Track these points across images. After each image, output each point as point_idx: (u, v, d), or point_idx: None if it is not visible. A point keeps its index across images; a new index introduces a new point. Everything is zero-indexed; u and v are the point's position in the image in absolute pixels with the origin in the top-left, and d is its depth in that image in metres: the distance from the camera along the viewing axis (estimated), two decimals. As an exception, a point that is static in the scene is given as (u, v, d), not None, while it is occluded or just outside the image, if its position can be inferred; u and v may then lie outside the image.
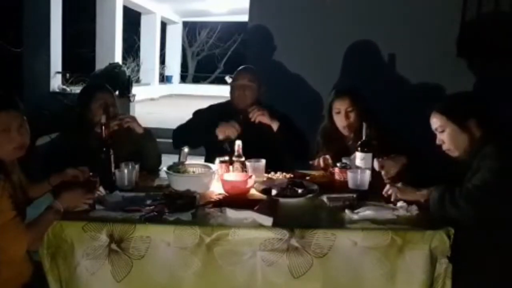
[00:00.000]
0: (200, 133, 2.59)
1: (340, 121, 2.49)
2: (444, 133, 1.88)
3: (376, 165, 2.12)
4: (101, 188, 1.95)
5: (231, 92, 2.74)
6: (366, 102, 2.52)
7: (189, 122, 2.79)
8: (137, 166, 2.15)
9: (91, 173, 1.97)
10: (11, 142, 1.67)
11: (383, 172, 2.11)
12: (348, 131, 2.49)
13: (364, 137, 2.23)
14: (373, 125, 2.29)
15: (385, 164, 2.11)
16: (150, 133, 2.49)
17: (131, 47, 14.51)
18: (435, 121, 1.91)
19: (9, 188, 1.61)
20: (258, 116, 2.55)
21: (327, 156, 2.42)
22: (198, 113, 2.84)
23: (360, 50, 3.77)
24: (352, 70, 3.75)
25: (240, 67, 2.85)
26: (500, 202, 1.69)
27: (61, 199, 1.74)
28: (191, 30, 19.28)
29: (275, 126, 2.57)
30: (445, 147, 1.90)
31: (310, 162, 2.51)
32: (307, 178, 2.32)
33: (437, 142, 1.92)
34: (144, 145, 2.43)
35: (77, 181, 1.93)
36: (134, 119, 2.44)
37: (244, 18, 4.38)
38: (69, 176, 1.95)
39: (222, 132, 2.47)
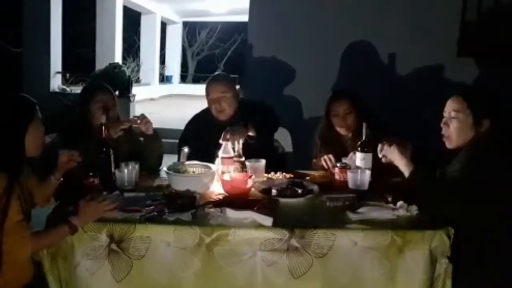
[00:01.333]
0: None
1: (338, 123, 2.50)
2: (455, 119, 1.82)
3: (378, 149, 2.09)
4: None
5: (208, 106, 2.61)
6: (363, 103, 2.51)
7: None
8: (137, 166, 2.15)
9: (91, 173, 1.97)
10: (41, 136, 1.69)
11: (381, 154, 2.07)
12: (346, 133, 2.50)
13: (364, 137, 2.23)
14: (371, 125, 2.29)
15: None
16: (157, 134, 2.48)
17: (131, 47, 14.52)
18: (453, 105, 1.83)
19: (18, 190, 1.58)
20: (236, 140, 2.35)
21: (330, 156, 2.41)
22: (189, 125, 2.74)
23: (360, 50, 3.78)
24: (352, 70, 3.75)
25: (209, 79, 2.69)
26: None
27: (80, 218, 1.66)
28: (191, 30, 19.29)
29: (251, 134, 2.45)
30: (446, 132, 1.85)
31: (314, 160, 2.49)
32: (307, 178, 2.32)
33: (441, 124, 1.87)
34: (149, 146, 2.43)
35: (76, 168, 1.92)
36: (143, 116, 2.41)
37: (244, 18, 4.38)
38: (65, 162, 1.92)
39: None
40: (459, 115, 1.81)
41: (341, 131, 2.50)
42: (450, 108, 1.85)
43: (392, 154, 1.94)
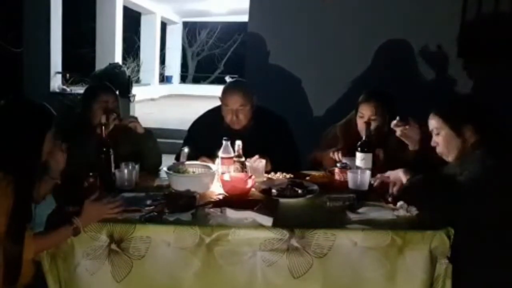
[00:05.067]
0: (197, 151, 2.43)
1: (360, 125, 2.43)
2: (439, 135, 1.87)
3: (398, 129, 2.10)
4: None
5: (223, 111, 2.54)
6: (396, 107, 2.42)
7: (185, 142, 2.61)
8: (137, 166, 2.15)
9: (91, 173, 1.97)
10: (49, 146, 1.68)
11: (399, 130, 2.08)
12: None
13: (364, 137, 2.23)
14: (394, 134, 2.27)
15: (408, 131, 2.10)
16: (150, 133, 2.49)
17: (131, 47, 14.49)
18: (432, 123, 1.90)
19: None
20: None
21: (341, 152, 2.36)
22: (195, 125, 2.72)
23: (361, 50, 3.77)
24: (352, 71, 3.75)
25: (228, 86, 2.58)
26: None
27: (83, 219, 1.66)
28: (191, 30, 19.26)
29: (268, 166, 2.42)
30: (438, 150, 1.89)
31: (331, 153, 2.43)
32: (307, 178, 2.32)
33: (432, 143, 1.91)
34: (144, 145, 2.43)
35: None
36: (136, 119, 2.45)
37: (244, 18, 4.37)
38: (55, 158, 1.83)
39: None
40: (440, 131, 1.87)
41: (361, 133, 2.41)
42: (431, 126, 1.91)
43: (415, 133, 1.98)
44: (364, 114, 2.42)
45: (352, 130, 2.50)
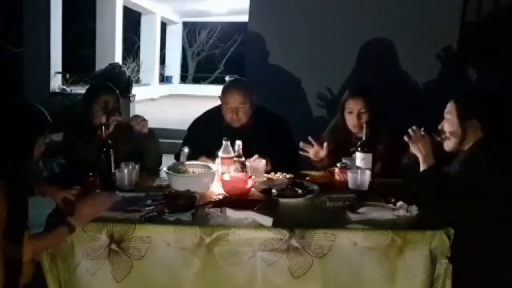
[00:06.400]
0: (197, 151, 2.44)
1: (351, 121, 2.44)
2: (445, 120, 1.90)
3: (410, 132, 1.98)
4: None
5: (223, 110, 2.56)
6: (379, 104, 2.46)
7: (185, 141, 2.63)
8: (137, 166, 2.15)
9: (90, 173, 1.97)
10: (41, 151, 1.68)
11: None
12: (358, 131, 2.42)
13: (364, 137, 2.23)
14: (384, 127, 2.27)
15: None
16: (153, 133, 2.48)
17: (131, 47, 14.50)
18: (448, 106, 1.91)
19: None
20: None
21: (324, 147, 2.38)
22: (195, 125, 2.73)
23: (360, 50, 3.77)
24: (352, 71, 3.75)
25: (228, 84, 2.61)
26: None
27: (77, 217, 1.66)
28: (191, 30, 19.26)
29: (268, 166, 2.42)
30: (442, 133, 1.91)
31: (300, 152, 2.46)
32: (307, 178, 2.32)
33: (439, 126, 1.92)
34: (146, 145, 2.43)
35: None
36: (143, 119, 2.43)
37: (244, 18, 4.38)
38: (58, 197, 1.86)
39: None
40: (448, 116, 1.89)
41: (354, 129, 2.45)
42: (446, 109, 1.92)
43: (423, 142, 1.87)
44: (353, 109, 2.42)
45: (339, 131, 2.52)
